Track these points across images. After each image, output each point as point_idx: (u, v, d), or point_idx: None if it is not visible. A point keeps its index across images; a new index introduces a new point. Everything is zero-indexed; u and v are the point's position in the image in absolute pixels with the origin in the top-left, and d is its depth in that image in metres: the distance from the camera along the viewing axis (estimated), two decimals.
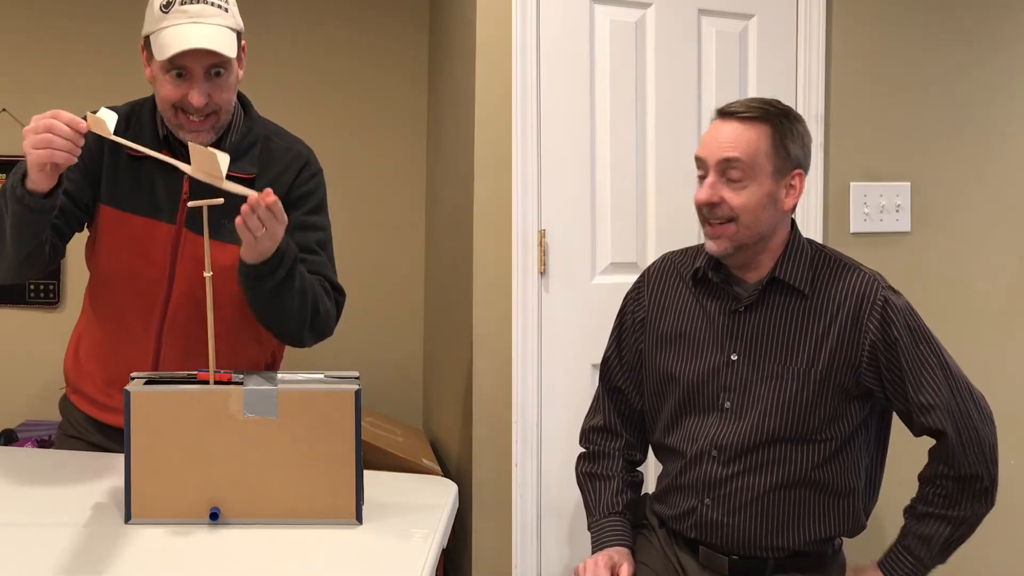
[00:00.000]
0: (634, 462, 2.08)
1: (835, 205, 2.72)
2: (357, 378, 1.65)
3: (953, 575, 2.81)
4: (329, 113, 3.47)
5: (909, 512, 1.91)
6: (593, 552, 1.95)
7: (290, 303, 1.83)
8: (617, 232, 2.59)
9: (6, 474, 1.81)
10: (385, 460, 2.64)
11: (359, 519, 1.60)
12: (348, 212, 3.50)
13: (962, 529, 1.86)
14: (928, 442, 1.89)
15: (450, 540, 1.86)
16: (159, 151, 1.91)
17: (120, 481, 1.66)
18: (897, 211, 2.75)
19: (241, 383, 1.60)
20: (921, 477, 1.90)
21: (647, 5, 2.61)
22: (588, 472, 2.06)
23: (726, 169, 1.82)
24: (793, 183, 1.86)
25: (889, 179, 2.75)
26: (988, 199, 2.81)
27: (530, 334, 2.51)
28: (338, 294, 1.99)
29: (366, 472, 1.66)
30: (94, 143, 1.92)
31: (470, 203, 2.54)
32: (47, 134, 1.63)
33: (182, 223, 1.92)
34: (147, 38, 1.85)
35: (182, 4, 1.79)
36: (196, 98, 1.81)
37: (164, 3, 1.80)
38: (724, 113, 1.86)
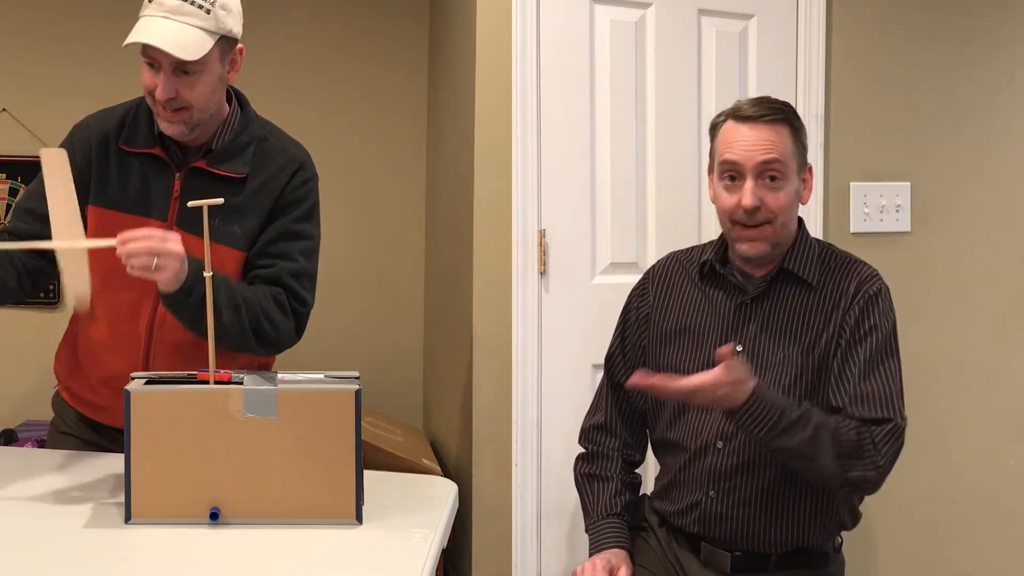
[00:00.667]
0: (633, 463, 2.08)
1: (835, 205, 2.72)
2: (357, 378, 1.64)
3: (953, 575, 2.82)
4: (329, 113, 3.47)
5: (817, 407, 1.80)
6: (591, 554, 1.95)
7: (222, 321, 1.78)
8: (617, 232, 2.59)
9: (6, 474, 1.81)
10: (385, 460, 2.64)
11: (359, 519, 1.60)
12: (348, 212, 3.51)
13: (813, 454, 1.72)
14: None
15: (450, 540, 1.86)
16: (153, 147, 1.93)
17: (120, 481, 1.66)
18: (897, 211, 2.75)
19: (241, 383, 1.60)
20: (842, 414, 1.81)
21: (647, 5, 2.61)
22: (586, 473, 2.06)
23: (764, 172, 1.84)
24: (806, 178, 1.92)
25: (889, 179, 2.75)
26: (988, 199, 2.81)
27: (530, 334, 2.51)
28: (300, 305, 1.94)
29: (366, 472, 1.66)
30: (80, 150, 1.93)
31: (470, 203, 2.54)
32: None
33: (173, 221, 1.92)
34: None
35: None
36: (160, 91, 1.82)
37: None
38: (746, 117, 1.87)
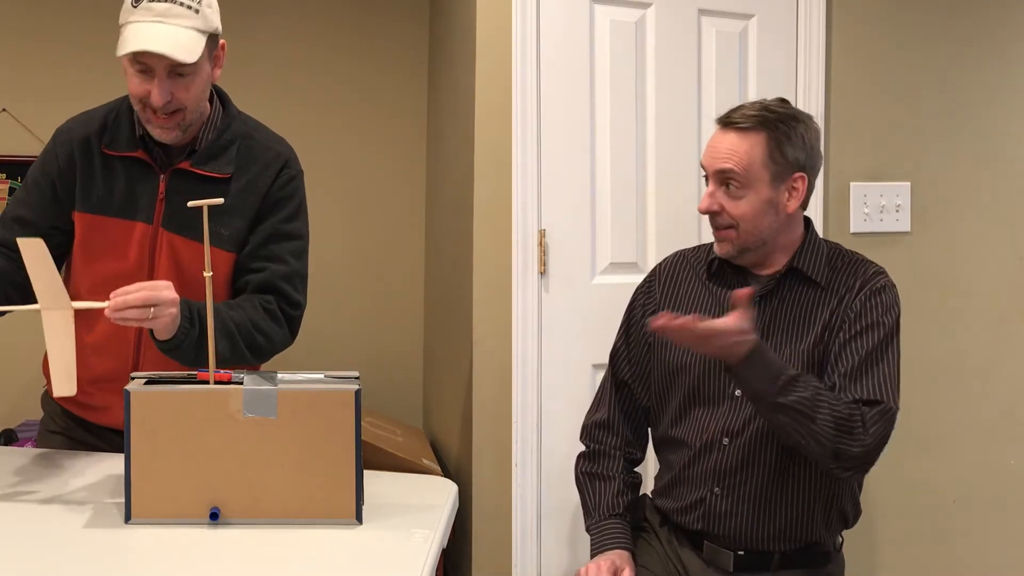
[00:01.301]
0: (634, 461, 2.08)
1: (835, 205, 2.72)
2: (357, 378, 1.64)
3: (954, 574, 2.82)
4: (329, 113, 3.47)
5: (816, 379, 1.80)
6: (592, 555, 1.95)
7: (219, 350, 1.79)
8: (617, 232, 2.59)
9: (6, 474, 1.81)
10: (385, 460, 2.64)
11: (359, 519, 1.59)
12: (348, 212, 3.51)
13: (813, 414, 1.71)
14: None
15: (450, 540, 1.86)
16: (135, 150, 1.91)
17: (120, 481, 1.66)
18: (897, 211, 2.75)
19: (241, 383, 1.60)
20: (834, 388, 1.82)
21: (647, 5, 2.61)
22: (588, 472, 2.06)
23: (724, 180, 1.86)
24: (795, 186, 1.87)
25: (889, 179, 2.75)
26: (988, 199, 2.81)
27: (530, 334, 2.51)
28: (292, 308, 1.95)
29: (366, 472, 1.66)
30: (63, 153, 1.92)
31: (470, 203, 2.54)
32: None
33: (159, 223, 1.91)
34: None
35: (150, 1, 1.77)
36: (156, 97, 1.80)
37: None
38: (724, 122, 1.88)
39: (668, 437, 1.99)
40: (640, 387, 2.05)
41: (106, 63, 3.30)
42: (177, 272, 1.90)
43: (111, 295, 1.64)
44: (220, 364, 1.77)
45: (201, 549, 1.50)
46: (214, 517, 1.56)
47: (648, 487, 2.13)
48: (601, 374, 2.14)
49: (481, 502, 2.53)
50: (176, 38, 1.77)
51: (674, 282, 2.03)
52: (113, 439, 1.98)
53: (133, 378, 1.64)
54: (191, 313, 1.74)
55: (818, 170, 1.93)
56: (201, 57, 1.81)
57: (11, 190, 3.31)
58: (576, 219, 2.55)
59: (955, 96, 2.78)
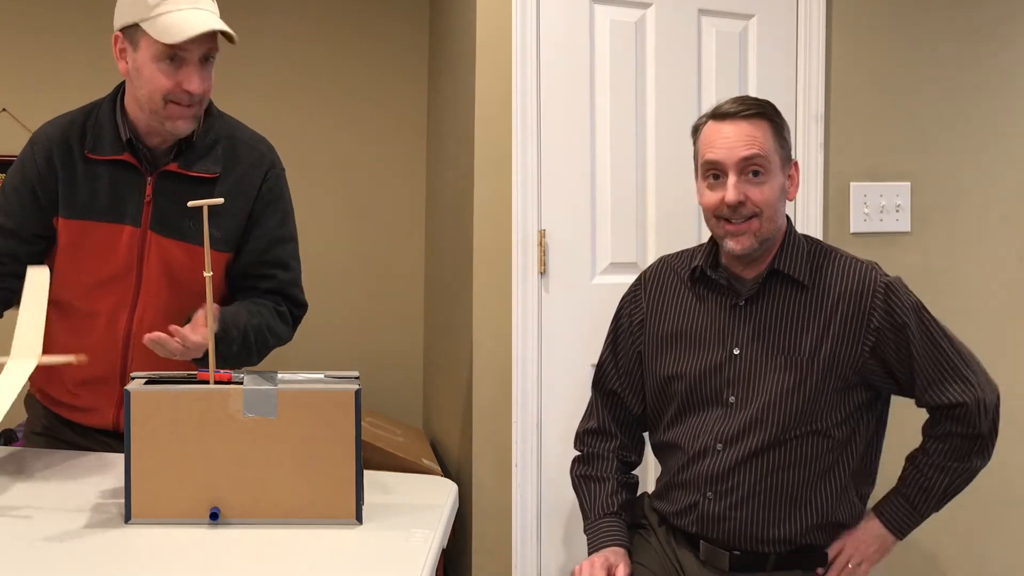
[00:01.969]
0: (629, 463, 2.08)
1: (835, 205, 2.72)
2: (357, 378, 1.64)
3: (955, 572, 2.82)
4: (329, 113, 3.47)
5: (911, 462, 1.93)
6: (589, 554, 1.95)
7: (237, 355, 1.89)
8: (617, 232, 2.59)
9: (5, 474, 1.81)
10: (385, 460, 2.64)
11: (359, 519, 1.59)
12: (348, 212, 3.51)
13: (960, 480, 1.90)
14: (917, 422, 1.92)
15: (450, 540, 1.86)
16: (121, 153, 1.88)
17: (120, 481, 1.66)
18: (897, 211, 2.75)
19: (241, 383, 1.60)
20: (929, 433, 1.91)
21: (647, 5, 2.61)
22: (583, 474, 2.06)
23: (746, 167, 1.85)
24: (791, 174, 1.92)
25: (889, 179, 2.75)
26: (988, 199, 2.81)
27: (530, 334, 2.51)
28: (299, 310, 2.02)
29: (366, 472, 1.66)
30: (43, 159, 1.89)
31: (470, 203, 2.54)
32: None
33: (147, 226, 1.90)
34: (131, 28, 1.79)
35: None
36: (195, 84, 1.78)
37: None
38: (724, 115, 1.88)
39: (664, 442, 1.99)
40: (631, 396, 2.04)
41: (106, 63, 3.30)
42: (166, 274, 1.90)
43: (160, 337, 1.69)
44: (230, 363, 1.80)
45: (201, 549, 1.50)
46: (214, 517, 1.56)
47: (650, 487, 2.13)
48: None
49: (481, 502, 2.53)
50: (218, 21, 1.77)
51: (660, 290, 2.02)
52: (99, 439, 1.99)
53: (133, 378, 1.64)
54: (228, 331, 1.82)
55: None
56: None
57: None
58: (576, 219, 2.55)
59: (955, 96, 2.78)
